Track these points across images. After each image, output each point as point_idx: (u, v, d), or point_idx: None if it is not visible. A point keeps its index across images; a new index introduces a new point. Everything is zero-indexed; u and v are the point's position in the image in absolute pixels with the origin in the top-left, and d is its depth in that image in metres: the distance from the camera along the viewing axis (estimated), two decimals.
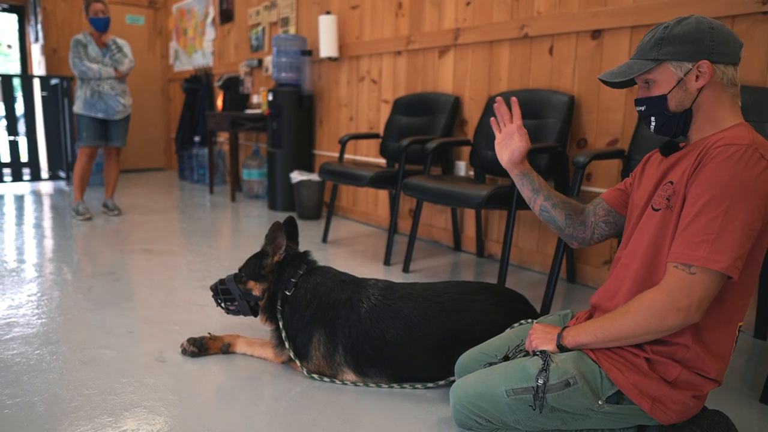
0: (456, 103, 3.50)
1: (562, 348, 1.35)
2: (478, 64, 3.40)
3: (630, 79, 1.35)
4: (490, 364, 1.49)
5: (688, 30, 1.27)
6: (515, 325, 1.66)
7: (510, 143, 1.59)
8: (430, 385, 1.78)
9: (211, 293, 2.04)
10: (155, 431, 1.53)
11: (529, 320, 1.65)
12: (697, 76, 1.27)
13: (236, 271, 2.03)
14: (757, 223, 1.16)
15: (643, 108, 1.37)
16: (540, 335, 1.41)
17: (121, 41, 4.45)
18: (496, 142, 1.62)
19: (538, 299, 2.54)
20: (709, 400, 1.68)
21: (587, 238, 1.60)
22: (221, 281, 2.02)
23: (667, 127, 1.34)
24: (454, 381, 1.59)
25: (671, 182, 1.29)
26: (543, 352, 1.38)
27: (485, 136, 3.14)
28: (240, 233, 4.20)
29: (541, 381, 1.30)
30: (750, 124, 1.30)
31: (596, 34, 2.77)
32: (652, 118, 1.35)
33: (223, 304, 2.03)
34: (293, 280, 1.91)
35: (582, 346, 1.32)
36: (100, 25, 4.30)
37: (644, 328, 1.21)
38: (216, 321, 2.33)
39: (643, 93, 1.37)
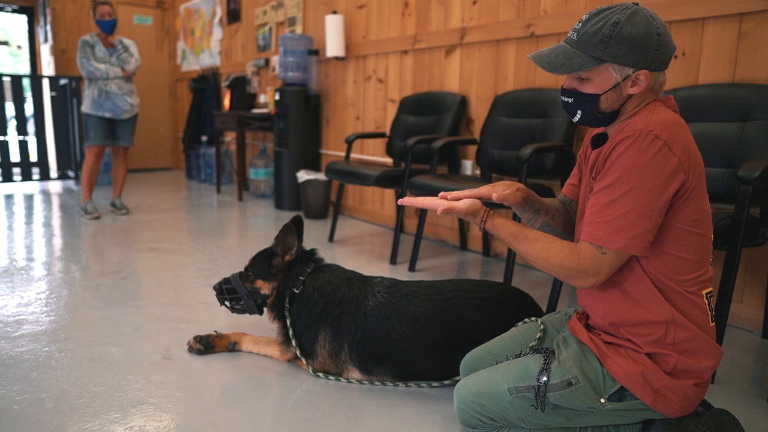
0: (462, 103, 3.50)
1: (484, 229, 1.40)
2: (485, 63, 3.40)
3: None
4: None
5: (638, 34, 1.22)
6: (520, 323, 1.66)
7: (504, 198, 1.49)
8: (435, 383, 1.79)
9: (215, 293, 2.04)
10: (162, 428, 1.54)
11: (534, 318, 1.64)
12: (633, 83, 1.27)
13: (242, 269, 2.05)
14: (655, 203, 1.19)
15: (570, 100, 1.33)
16: (468, 206, 1.39)
17: (127, 41, 4.49)
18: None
19: (543, 298, 2.54)
20: (715, 399, 1.68)
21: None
22: (226, 280, 2.03)
23: (592, 123, 1.35)
24: (458, 380, 1.60)
25: (593, 177, 1.34)
26: (546, 349, 1.38)
27: (492, 135, 3.14)
28: (247, 232, 4.21)
29: (542, 380, 1.30)
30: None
31: None
32: (579, 112, 1.34)
33: (227, 303, 2.04)
34: (301, 278, 1.92)
35: (496, 236, 1.38)
36: (107, 27, 4.33)
37: (546, 268, 1.31)
38: (222, 319, 2.34)
39: (574, 85, 1.32)
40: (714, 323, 1.32)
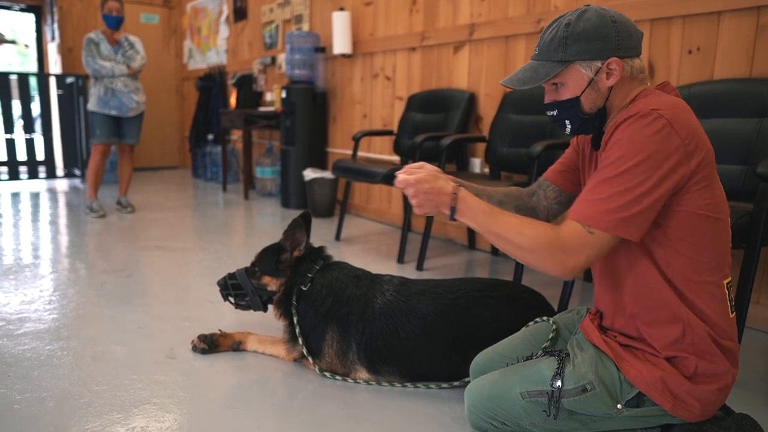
0: (471, 100, 3.45)
1: (453, 218, 1.28)
2: (494, 60, 3.35)
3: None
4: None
5: (592, 26, 1.21)
6: (531, 323, 1.61)
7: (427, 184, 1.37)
8: (444, 384, 1.74)
9: (219, 288, 2.01)
10: (164, 429, 1.50)
11: (545, 318, 1.60)
12: (607, 74, 1.24)
13: (247, 266, 2.01)
14: (653, 183, 1.12)
15: (555, 113, 1.31)
16: (428, 197, 1.28)
17: (133, 38, 4.47)
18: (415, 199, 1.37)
19: (554, 297, 2.48)
20: (733, 403, 1.63)
21: (543, 220, 1.54)
22: (231, 275, 1.99)
23: (583, 128, 1.31)
24: (468, 381, 1.55)
25: None
26: (559, 352, 1.33)
27: (501, 132, 3.09)
28: (253, 231, 4.18)
29: (556, 385, 1.26)
30: None
31: None
32: (567, 122, 1.31)
33: (232, 299, 2.00)
34: (309, 275, 1.88)
35: (468, 222, 1.27)
36: (113, 23, 4.31)
37: (521, 245, 1.21)
38: (227, 318, 2.30)
39: (553, 96, 1.31)
40: (734, 314, 1.26)
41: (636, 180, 1.13)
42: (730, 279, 1.25)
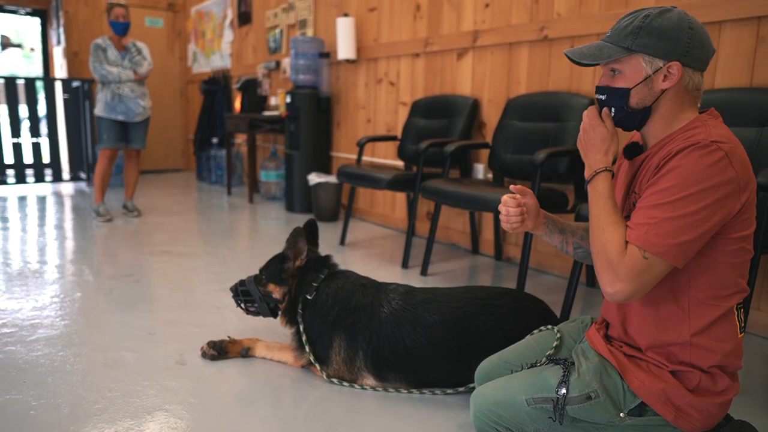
0: (474, 106, 3.48)
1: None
2: (497, 67, 3.38)
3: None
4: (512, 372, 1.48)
5: (669, 25, 1.22)
6: (535, 331, 1.64)
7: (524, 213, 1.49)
8: (449, 391, 1.78)
9: (231, 294, 2.06)
10: None
11: (550, 327, 1.63)
12: (665, 76, 1.24)
13: (256, 272, 2.05)
14: (705, 213, 1.14)
15: (603, 97, 1.32)
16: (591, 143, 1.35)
17: (140, 44, 4.53)
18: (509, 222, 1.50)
19: (556, 304, 2.51)
20: (733, 410, 1.66)
21: None
22: (241, 282, 2.04)
23: (624, 121, 1.32)
24: (473, 387, 1.59)
25: (635, 191, 1.30)
26: (564, 360, 1.36)
27: (504, 138, 3.12)
28: (258, 235, 4.22)
29: (561, 392, 1.29)
30: None
31: None
32: (612, 110, 1.32)
33: (243, 305, 2.05)
34: (315, 284, 1.91)
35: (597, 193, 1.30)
36: (120, 29, 4.37)
37: (600, 246, 1.23)
38: (235, 324, 2.34)
39: (607, 81, 1.32)
40: (743, 335, 1.28)
41: (690, 208, 1.14)
42: (740, 301, 1.27)
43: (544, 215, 1.53)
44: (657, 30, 1.22)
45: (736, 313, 1.25)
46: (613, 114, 1.32)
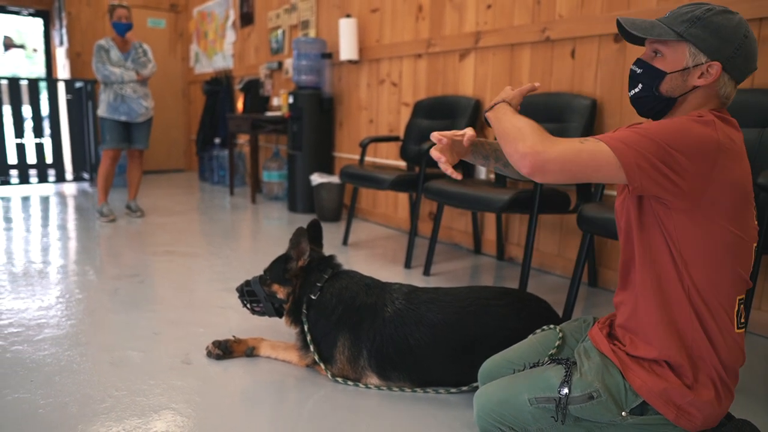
0: (477, 107, 3.50)
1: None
2: (499, 68, 3.40)
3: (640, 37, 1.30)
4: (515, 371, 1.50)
5: (727, 26, 1.22)
6: (537, 331, 1.66)
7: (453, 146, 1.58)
8: (452, 390, 1.80)
9: (237, 294, 2.08)
10: None
11: (552, 326, 1.65)
12: (702, 73, 1.24)
13: (260, 272, 2.07)
14: (673, 145, 1.14)
15: (640, 71, 1.32)
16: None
17: (145, 45, 4.56)
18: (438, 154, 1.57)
19: (558, 303, 2.53)
20: (734, 409, 1.67)
21: None
22: (247, 283, 2.06)
23: (644, 102, 1.33)
24: (476, 387, 1.60)
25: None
26: (566, 360, 1.38)
27: None
28: (260, 235, 4.24)
29: (563, 392, 1.30)
30: None
31: (619, 37, 2.75)
32: (640, 85, 1.32)
33: (248, 305, 2.07)
34: (319, 284, 1.93)
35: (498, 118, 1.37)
36: (122, 30, 4.40)
37: (508, 136, 1.26)
38: (238, 323, 2.36)
39: (647, 57, 1.32)
40: (742, 330, 1.29)
41: (662, 137, 1.15)
42: (743, 296, 1.28)
43: (472, 148, 1.61)
44: (714, 26, 1.22)
45: (736, 307, 1.27)
46: (639, 90, 1.32)
